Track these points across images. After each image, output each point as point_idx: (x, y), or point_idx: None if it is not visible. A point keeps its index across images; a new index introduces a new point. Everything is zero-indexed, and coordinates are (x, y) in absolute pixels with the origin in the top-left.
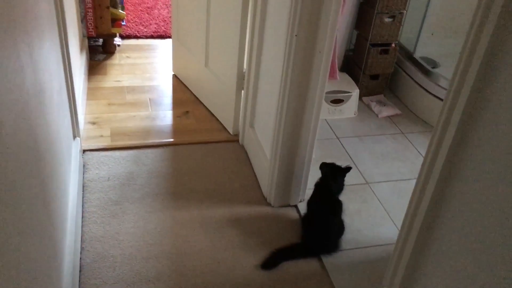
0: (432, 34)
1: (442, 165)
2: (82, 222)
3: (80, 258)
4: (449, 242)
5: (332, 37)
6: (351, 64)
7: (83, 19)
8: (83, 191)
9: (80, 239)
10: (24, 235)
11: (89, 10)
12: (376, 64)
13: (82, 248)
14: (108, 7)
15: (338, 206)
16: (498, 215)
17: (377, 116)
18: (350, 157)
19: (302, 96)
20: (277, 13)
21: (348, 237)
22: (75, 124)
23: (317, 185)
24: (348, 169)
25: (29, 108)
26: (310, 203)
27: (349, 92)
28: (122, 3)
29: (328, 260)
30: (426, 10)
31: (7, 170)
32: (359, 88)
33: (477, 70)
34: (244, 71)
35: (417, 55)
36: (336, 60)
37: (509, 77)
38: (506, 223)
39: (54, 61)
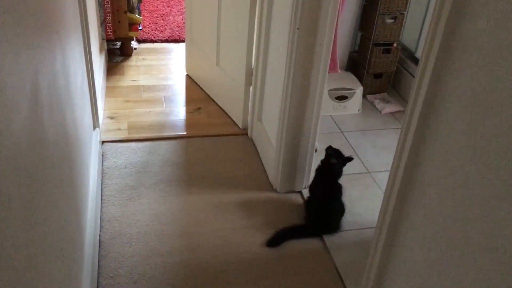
0: None
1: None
2: (101, 204)
3: (100, 235)
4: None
5: (332, 30)
6: (355, 64)
7: (102, 23)
8: (102, 177)
9: (99, 218)
10: (55, 208)
11: (108, 14)
12: (379, 63)
13: (101, 227)
14: (125, 12)
15: (338, 189)
16: (456, 201)
17: (380, 112)
18: (353, 149)
19: (304, 87)
20: (282, 10)
21: (349, 220)
22: (95, 115)
23: (318, 170)
24: (349, 158)
25: (61, 97)
26: (312, 187)
27: (353, 89)
28: (139, 8)
29: (329, 239)
30: (426, 11)
31: (47, 152)
32: (363, 87)
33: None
34: (252, 67)
35: (419, 54)
36: (337, 54)
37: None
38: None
39: (78, 58)
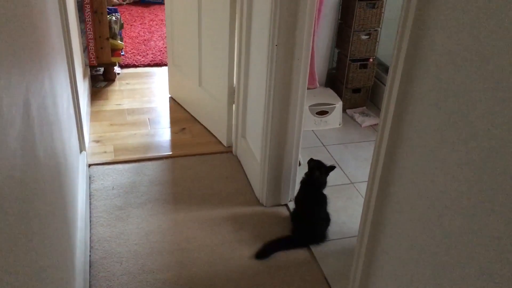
0: None
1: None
2: (90, 225)
3: (90, 255)
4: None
5: (309, 46)
6: (334, 80)
7: (85, 49)
8: (90, 199)
9: (89, 239)
10: (46, 227)
11: (90, 41)
12: (356, 78)
13: (91, 247)
14: (107, 38)
15: (323, 200)
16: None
17: (361, 125)
18: (336, 162)
19: (285, 101)
20: (260, 28)
21: (335, 229)
22: (81, 138)
23: (303, 182)
24: (332, 167)
25: (49, 117)
26: (297, 199)
27: (333, 104)
28: (120, 34)
29: (316, 249)
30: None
31: (38, 169)
32: (342, 101)
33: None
34: (234, 86)
35: None
36: (315, 70)
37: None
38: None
39: (63, 82)
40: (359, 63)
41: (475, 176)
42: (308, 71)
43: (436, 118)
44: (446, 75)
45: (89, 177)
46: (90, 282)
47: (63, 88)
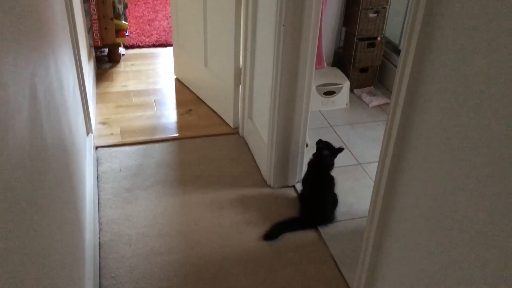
0: None
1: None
2: (98, 207)
3: (99, 238)
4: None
5: (316, 25)
6: (341, 59)
7: (89, 30)
8: (98, 182)
9: (98, 221)
10: (57, 211)
11: (95, 22)
12: (364, 57)
13: (100, 229)
14: (112, 19)
15: (330, 181)
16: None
17: (368, 105)
18: (343, 142)
19: (292, 82)
20: (267, 8)
21: (343, 210)
22: (87, 121)
23: (310, 163)
24: (340, 149)
25: (56, 101)
26: (305, 180)
27: (340, 84)
28: (124, 14)
29: (324, 230)
30: (408, 4)
31: (46, 154)
32: (350, 81)
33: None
34: (240, 67)
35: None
36: (323, 49)
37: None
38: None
39: (69, 64)
40: (366, 42)
41: (489, 157)
42: (316, 52)
43: (451, 100)
44: (464, 51)
45: (96, 160)
46: (100, 263)
47: (68, 70)
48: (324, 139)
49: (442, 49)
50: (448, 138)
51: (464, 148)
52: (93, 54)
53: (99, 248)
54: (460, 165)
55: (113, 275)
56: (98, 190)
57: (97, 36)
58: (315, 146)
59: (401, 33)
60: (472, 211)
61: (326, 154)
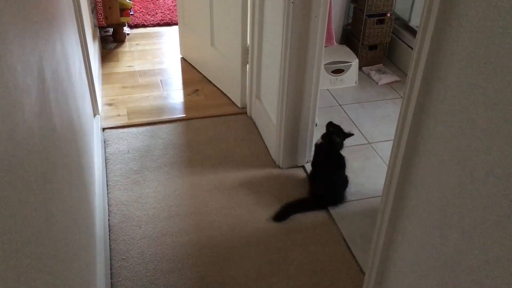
0: None
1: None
2: (107, 189)
3: (109, 220)
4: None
5: (326, 2)
6: (350, 36)
7: (93, 10)
8: (106, 163)
9: (107, 203)
10: (66, 195)
11: (99, 1)
12: (373, 34)
13: (109, 211)
14: None
15: (341, 161)
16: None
17: (377, 83)
18: (353, 121)
19: (301, 61)
20: None
21: (353, 190)
22: (94, 102)
23: (317, 145)
24: (350, 134)
25: (63, 83)
26: (314, 162)
27: (348, 62)
28: None
29: (335, 210)
30: None
31: (56, 137)
32: (358, 59)
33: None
34: (247, 45)
35: (413, 23)
36: (333, 27)
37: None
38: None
39: (74, 45)
40: (375, 18)
41: (508, 138)
42: (326, 29)
43: (469, 77)
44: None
45: (104, 141)
46: (110, 245)
47: (74, 51)
48: (333, 118)
49: (460, 25)
50: (467, 114)
51: (485, 124)
52: (98, 34)
53: (109, 231)
54: (484, 143)
55: (123, 257)
56: (106, 172)
57: (101, 15)
58: (324, 126)
59: (411, 9)
60: (494, 189)
61: (338, 141)
